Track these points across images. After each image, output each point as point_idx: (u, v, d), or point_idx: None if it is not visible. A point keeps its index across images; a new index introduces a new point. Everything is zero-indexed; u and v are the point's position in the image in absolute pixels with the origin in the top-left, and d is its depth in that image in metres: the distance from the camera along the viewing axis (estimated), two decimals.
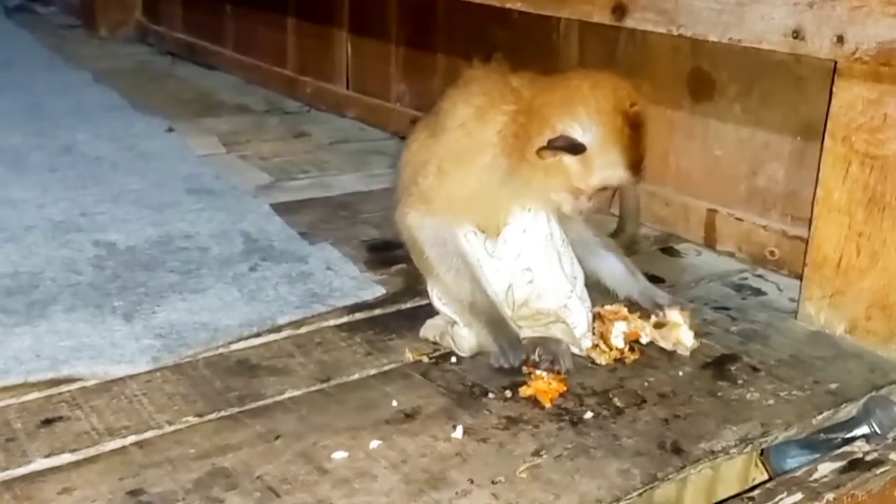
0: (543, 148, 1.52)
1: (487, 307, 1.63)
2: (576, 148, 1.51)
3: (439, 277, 1.67)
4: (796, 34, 1.76)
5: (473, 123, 1.60)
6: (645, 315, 1.75)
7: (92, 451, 1.37)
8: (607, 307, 1.76)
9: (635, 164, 1.54)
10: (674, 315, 1.72)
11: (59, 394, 1.53)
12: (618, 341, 1.68)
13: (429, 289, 1.73)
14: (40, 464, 1.34)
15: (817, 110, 1.90)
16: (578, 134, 1.52)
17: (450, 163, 1.62)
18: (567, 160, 1.53)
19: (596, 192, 1.58)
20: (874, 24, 1.64)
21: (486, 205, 1.64)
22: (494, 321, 1.63)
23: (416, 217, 1.67)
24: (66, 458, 1.35)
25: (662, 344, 1.71)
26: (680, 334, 1.70)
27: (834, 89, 1.75)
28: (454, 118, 1.63)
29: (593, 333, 1.69)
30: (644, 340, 1.72)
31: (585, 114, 1.52)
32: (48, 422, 1.44)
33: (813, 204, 1.83)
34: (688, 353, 1.69)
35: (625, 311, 1.75)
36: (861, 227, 1.74)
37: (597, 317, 1.72)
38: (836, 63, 1.73)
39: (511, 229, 1.65)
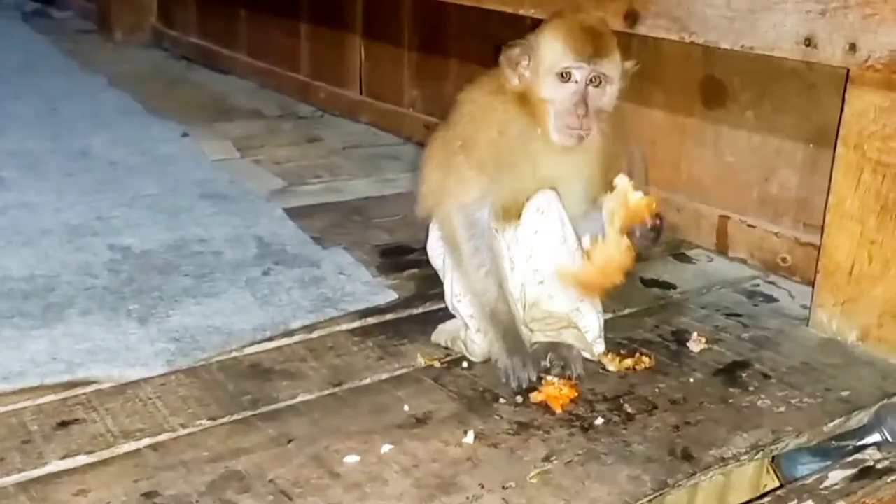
0: (502, 63, 1.60)
1: (507, 319, 1.63)
2: (516, 44, 1.60)
3: (468, 274, 1.65)
4: (808, 42, 1.77)
5: (481, 95, 1.68)
6: None
7: (107, 454, 1.39)
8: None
9: (576, 41, 1.57)
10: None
11: (75, 396, 1.54)
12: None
13: (446, 289, 1.73)
14: (56, 465, 1.35)
15: (829, 117, 1.90)
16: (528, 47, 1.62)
17: (471, 133, 1.66)
18: (528, 76, 1.60)
19: (559, 89, 1.58)
20: (886, 31, 1.65)
21: (514, 164, 1.64)
22: (511, 335, 1.62)
23: (454, 204, 1.67)
24: (82, 459, 1.37)
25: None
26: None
27: (846, 97, 1.75)
28: (466, 101, 1.70)
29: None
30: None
31: (535, 34, 1.64)
32: (64, 424, 1.46)
33: (825, 211, 1.83)
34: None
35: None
36: (873, 235, 1.74)
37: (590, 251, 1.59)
38: (848, 71, 1.73)
39: (523, 230, 1.66)
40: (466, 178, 1.65)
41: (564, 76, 1.58)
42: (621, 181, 1.60)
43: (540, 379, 1.60)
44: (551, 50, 1.59)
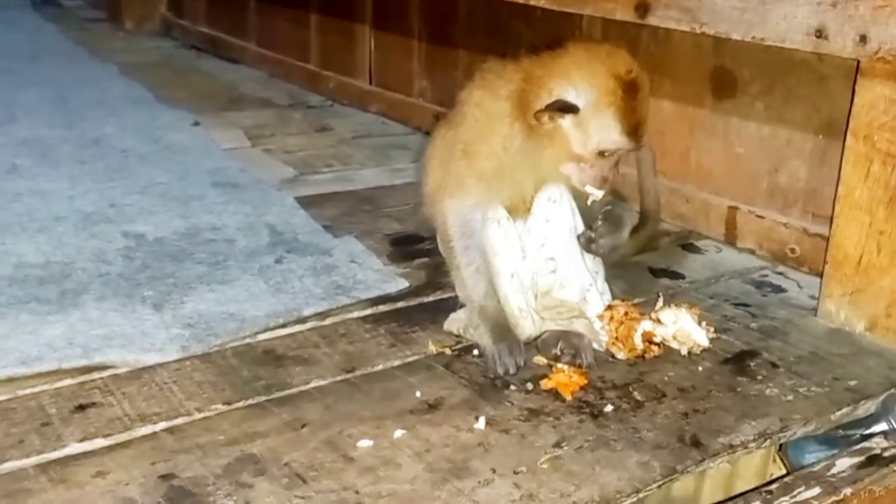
0: (540, 112, 1.55)
1: (496, 312, 1.66)
2: (569, 108, 1.54)
3: (459, 270, 1.70)
4: (819, 33, 1.77)
5: (488, 101, 1.65)
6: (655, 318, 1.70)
7: (124, 437, 1.41)
8: (615, 302, 1.71)
9: (631, 128, 1.55)
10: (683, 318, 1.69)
11: (92, 380, 1.57)
12: (638, 340, 1.66)
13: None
14: (74, 448, 1.38)
15: (839, 108, 1.91)
16: (572, 96, 1.55)
17: (474, 141, 1.66)
18: (566, 126, 1.56)
19: (597, 160, 1.58)
20: None
21: (515, 175, 1.66)
22: (499, 326, 1.65)
23: (450, 203, 1.70)
24: (100, 442, 1.39)
25: (674, 345, 1.69)
26: (693, 335, 1.68)
27: (856, 88, 1.76)
28: (470, 102, 1.69)
29: (608, 326, 1.66)
30: (657, 339, 1.69)
31: (579, 77, 1.55)
32: (82, 407, 1.48)
33: (834, 202, 1.84)
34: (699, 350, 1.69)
35: (636, 308, 1.70)
36: (882, 226, 1.75)
37: (609, 312, 1.68)
38: (858, 62, 1.74)
39: (535, 219, 1.68)
40: (465, 183, 1.67)
41: (609, 153, 1.58)
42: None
43: (551, 366, 1.62)
44: (607, 131, 1.55)
